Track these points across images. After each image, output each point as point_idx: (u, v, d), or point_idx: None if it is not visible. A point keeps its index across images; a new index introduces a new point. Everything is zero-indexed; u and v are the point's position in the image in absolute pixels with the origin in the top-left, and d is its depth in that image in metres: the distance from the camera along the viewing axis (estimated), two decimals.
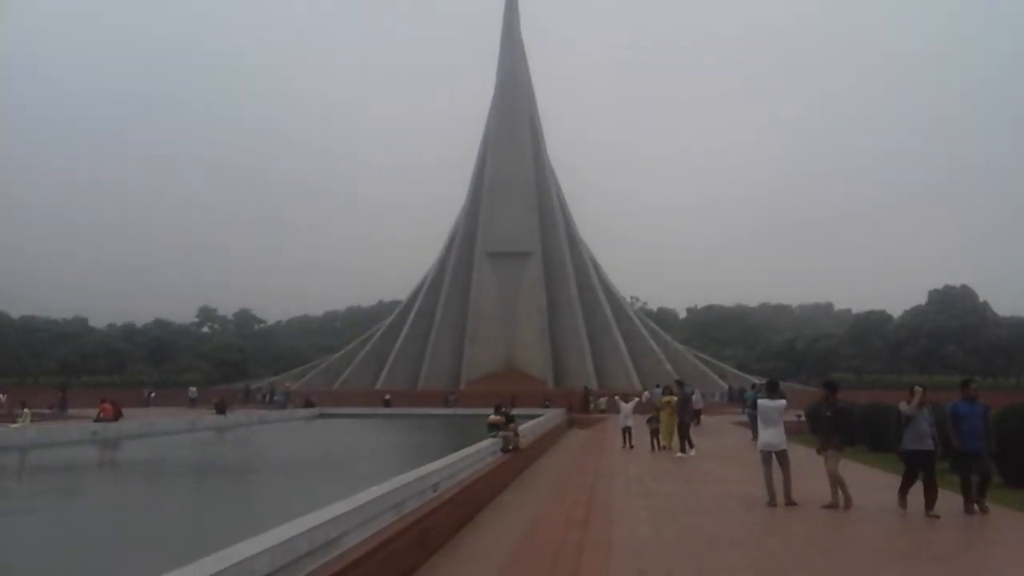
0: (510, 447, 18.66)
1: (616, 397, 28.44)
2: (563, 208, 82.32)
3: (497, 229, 77.67)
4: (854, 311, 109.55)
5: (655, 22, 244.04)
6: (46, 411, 42.36)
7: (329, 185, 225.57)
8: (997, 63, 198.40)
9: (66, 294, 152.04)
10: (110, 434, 30.35)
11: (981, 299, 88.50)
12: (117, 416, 33.26)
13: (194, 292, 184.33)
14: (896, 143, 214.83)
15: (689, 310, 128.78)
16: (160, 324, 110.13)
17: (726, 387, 65.90)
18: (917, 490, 11.65)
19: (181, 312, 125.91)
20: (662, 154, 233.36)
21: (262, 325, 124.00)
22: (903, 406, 12.09)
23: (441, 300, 78.49)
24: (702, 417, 31.94)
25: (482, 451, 16.63)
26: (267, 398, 62.75)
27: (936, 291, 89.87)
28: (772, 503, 12.37)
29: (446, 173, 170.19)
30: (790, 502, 12.33)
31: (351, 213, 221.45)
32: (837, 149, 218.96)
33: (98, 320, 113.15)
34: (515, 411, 23.15)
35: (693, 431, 23.15)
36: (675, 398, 23.22)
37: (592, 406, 50.70)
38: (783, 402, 13.02)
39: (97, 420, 32.24)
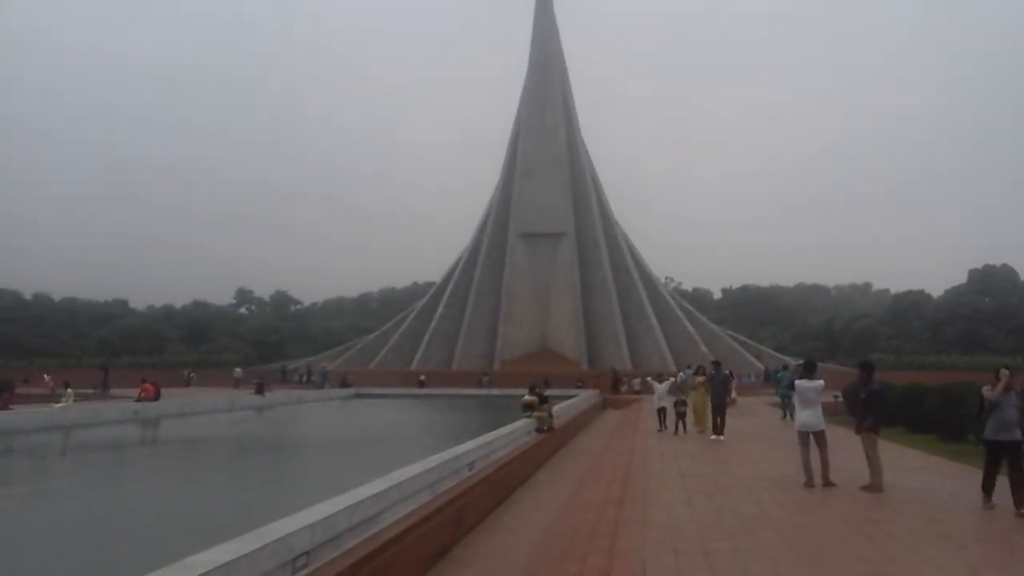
0: (544, 427, 18.73)
1: (649, 378, 27.65)
2: (597, 188, 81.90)
3: (530, 209, 77.54)
4: (893, 291, 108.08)
5: None
6: (89, 391, 43.21)
7: (363, 167, 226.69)
8: None
9: (107, 276, 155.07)
10: (151, 413, 30.95)
11: (1023, 278, 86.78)
12: (157, 396, 33.85)
13: (232, 274, 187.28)
14: (935, 118, 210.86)
15: (724, 290, 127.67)
16: (198, 305, 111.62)
17: (762, 368, 65.39)
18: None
19: (219, 294, 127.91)
20: (698, 133, 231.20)
21: (298, 306, 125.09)
22: (986, 391, 10.87)
23: (475, 281, 78.63)
24: (736, 398, 31.52)
25: (517, 431, 16.70)
26: (304, 378, 63.51)
27: (976, 270, 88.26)
28: (809, 484, 12.29)
29: (480, 153, 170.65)
30: (828, 483, 12.25)
31: (385, 195, 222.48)
32: (875, 124, 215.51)
33: (138, 302, 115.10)
34: (548, 392, 23.05)
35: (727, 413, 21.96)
36: (702, 378, 22.74)
37: (625, 387, 50.66)
38: (821, 382, 12.92)
39: (138, 400, 32.84)
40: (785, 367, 36.43)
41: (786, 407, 27.93)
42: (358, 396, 50.67)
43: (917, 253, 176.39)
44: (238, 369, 61.22)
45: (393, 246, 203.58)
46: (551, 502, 12.01)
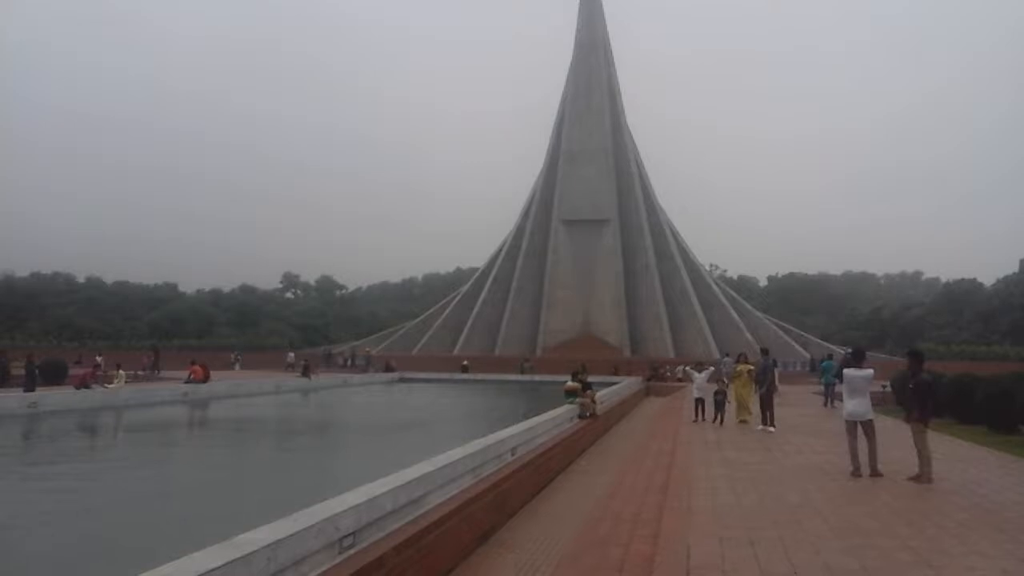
0: (587, 414, 18.72)
1: (688, 367, 25.51)
2: (641, 174, 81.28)
3: (574, 196, 77.32)
4: (944, 280, 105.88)
5: None
6: (140, 373, 44.15)
7: (408, 152, 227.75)
8: None
9: (157, 260, 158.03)
10: (200, 395, 31.52)
11: None
12: (206, 378, 34.47)
13: (278, 259, 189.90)
14: (990, 107, 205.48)
15: (770, 278, 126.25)
16: (246, 290, 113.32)
17: (808, 357, 64.54)
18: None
19: (266, 278, 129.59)
20: (747, 118, 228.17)
21: (343, 291, 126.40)
22: None
23: (518, 267, 78.67)
24: (780, 387, 30.88)
25: (559, 417, 16.71)
26: (348, 362, 64.18)
27: None
28: (857, 473, 12.13)
29: (524, 139, 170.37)
30: (875, 473, 12.08)
31: (430, 181, 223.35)
32: (926, 111, 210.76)
33: (187, 285, 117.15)
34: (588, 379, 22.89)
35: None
36: (749, 366, 21.70)
37: (669, 373, 50.38)
38: (870, 371, 12.71)
39: (187, 381, 33.47)
40: (830, 356, 35.90)
41: (829, 395, 28.40)
42: (401, 380, 51.08)
43: (969, 242, 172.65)
44: (291, 353, 61.73)
45: (437, 232, 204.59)
46: (594, 488, 12.01)
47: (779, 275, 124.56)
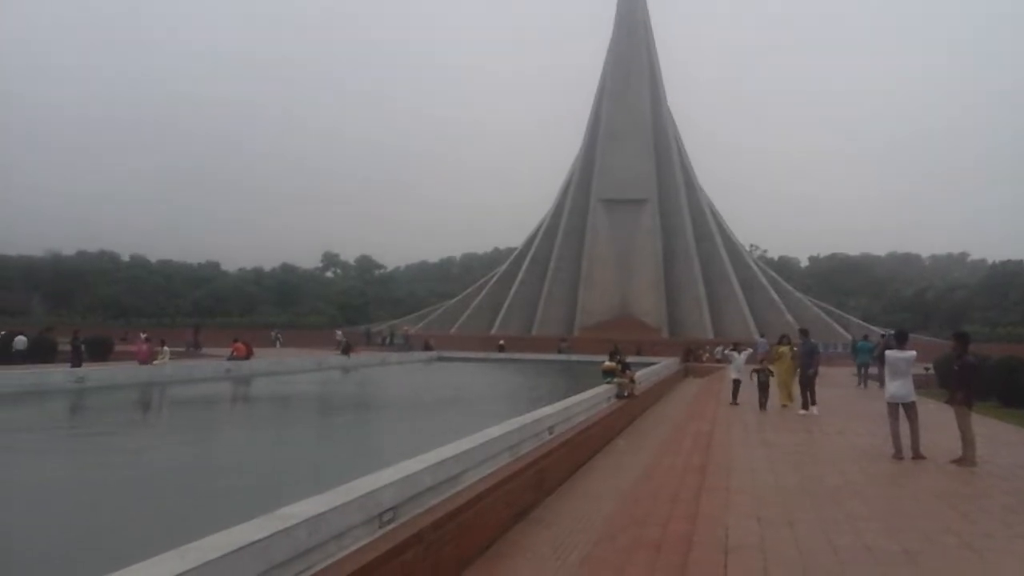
0: (625, 393, 18.69)
1: (726, 349, 24.22)
2: (681, 154, 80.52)
3: (613, 175, 76.86)
4: (989, 261, 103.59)
5: None
6: (183, 349, 44.87)
7: (447, 131, 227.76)
8: None
9: (200, 239, 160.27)
10: (242, 371, 32.02)
11: None
12: (248, 355, 34.96)
13: (318, 238, 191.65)
14: None
15: (811, 259, 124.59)
16: (287, 268, 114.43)
17: (850, 338, 63.69)
18: None
19: (306, 257, 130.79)
20: (789, 97, 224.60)
21: (382, 270, 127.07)
22: None
23: (556, 247, 78.51)
24: (820, 369, 30.38)
25: (597, 397, 16.71)
26: (387, 341, 64.64)
27: None
28: (899, 456, 11.97)
29: (563, 118, 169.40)
30: (917, 455, 11.91)
31: (468, 160, 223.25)
32: (972, 87, 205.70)
33: (229, 264, 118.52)
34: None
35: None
36: (787, 348, 20.74)
37: (707, 355, 50.09)
38: (913, 353, 12.50)
39: (230, 359, 33.97)
40: (865, 337, 35.54)
41: (863, 375, 28.94)
42: (439, 359, 51.41)
43: (1018, 223, 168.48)
44: (339, 332, 62.00)
45: (475, 212, 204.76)
46: (631, 467, 12.01)
47: (821, 256, 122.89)
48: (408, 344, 60.90)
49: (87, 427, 18.29)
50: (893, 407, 12.33)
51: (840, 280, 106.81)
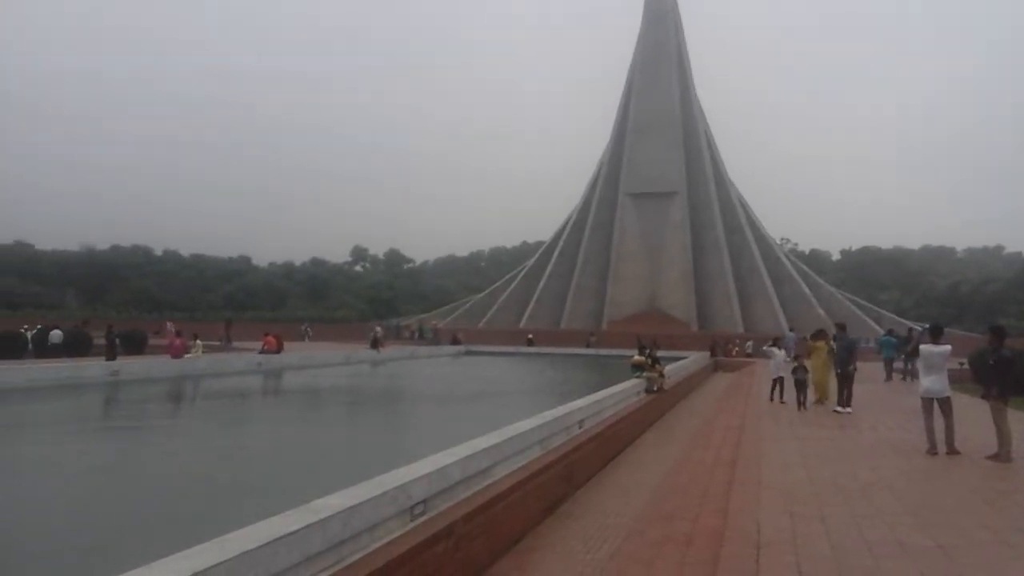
0: (655, 388, 18.62)
1: (766, 345, 22.96)
2: (710, 147, 79.96)
3: (642, 168, 76.49)
4: None
5: None
6: (217, 343, 45.35)
7: (474, 126, 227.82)
8: None
9: (232, 234, 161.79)
10: (273, 365, 32.31)
11: None
12: (279, 348, 35.26)
13: (348, 233, 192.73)
14: None
15: (843, 252, 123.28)
16: (316, 263, 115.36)
17: (882, 332, 62.95)
18: None
19: (336, 251, 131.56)
20: (820, 88, 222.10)
21: (410, 264, 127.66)
22: None
23: (584, 240, 78.35)
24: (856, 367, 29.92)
25: (626, 391, 16.66)
26: (416, 335, 64.83)
27: None
28: (933, 451, 11.84)
29: (592, 110, 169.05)
30: (952, 451, 11.77)
31: (496, 154, 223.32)
32: (1009, 83, 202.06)
33: (260, 259, 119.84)
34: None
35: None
36: (823, 343, 20.22)
37: (736, 349, 49.82)
38: (948, 348, 12.34)
39: (261, 352, 34.29)
40: (890, 331, 35.56)
41: (889, 369, 29.45)
42: (468, 353, 51.52)
43: None
44: (378, 328, 62.11)
45: (503, 205, 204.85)
46: (661, 462, 11.98)
47: (852, 249, 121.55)
48: (436, 338, 61.10)
49: (123, 420, 18.58)
50: (927, 402, 12.20)
51: (872, 274, 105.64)
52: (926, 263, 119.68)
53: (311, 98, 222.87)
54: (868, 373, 31.77)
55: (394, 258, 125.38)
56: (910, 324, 58.00)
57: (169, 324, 42.06)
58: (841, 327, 20.51)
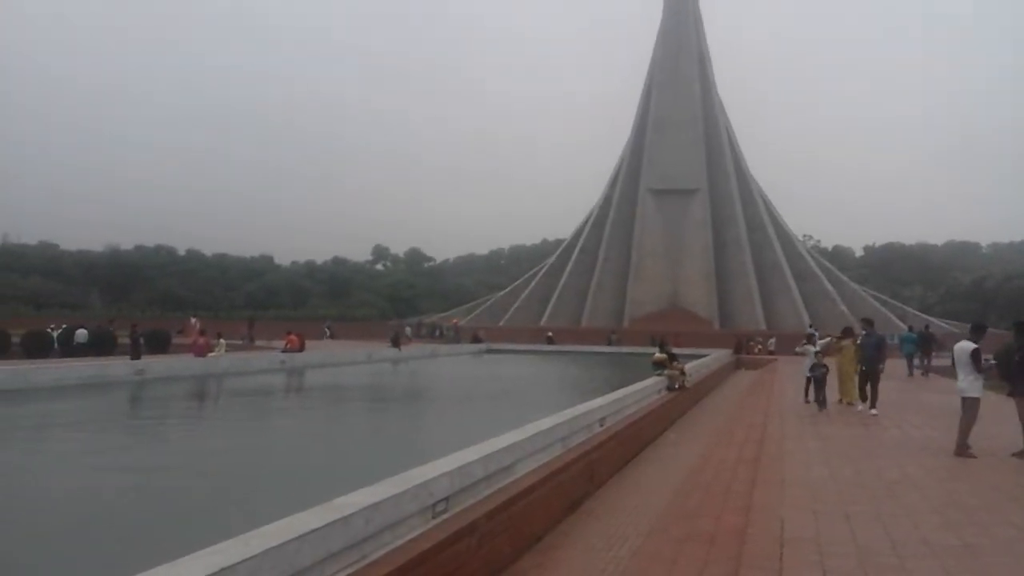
0: (676, 386, 18.57)
1: (804, 344, 20.84)
2: (732, 143, 79.52)
3: (662, 165, 76.20)
4: None
5: None
6: (239, 342, 45.64)
7: (494, 124, 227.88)
8: None
9: (254, 233, 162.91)
10: (296, 363, 32.47)
11: None
12: (302, 347, 35.45)
13: (369, 231, 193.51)
14: None
15: (866, 248, 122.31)
16: (338, 262, 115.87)
17: (906, 329, 62.36)
18: None
19: (357, 250, 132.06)
20: (841, 82, 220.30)
21: (431, 263, 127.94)
22: None
23: (605, 238, 78.15)
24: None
25: (648, 388, 16.62)
26: (437, 333, 64.92)
27: None
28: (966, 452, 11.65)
29: (610, 108, 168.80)
30: (958, 451, 11.50)
31: (516, 152, 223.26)
32: None
33: (282, 258, 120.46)
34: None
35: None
36: (850, 342, 19.16)
37: (759, 347, 49.53)
38: (968, 345, 12.16)
39: (284, 351, 34.48)
40: (910, 328, 35.84)
41: (911, 365, 30.78)
42: (489, 351, 51.54)
43: None
44: (409, 328, 62.25)
45: (523, 203, 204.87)
46: (683, 460, 11.95)
47: (876, 245, 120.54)
48: (457, 336, 61.17)
49: (150, 417, 18.76)
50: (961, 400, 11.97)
51: (896, 270, 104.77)
52: (950, 259, 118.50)
53: (334, 101, 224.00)
54: (889, 370, 31.62)
55: (415, 257, 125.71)
56: (928, 320, 57.55)
57: (194, 319, 42.28)
58: (868, 323, 19.40)
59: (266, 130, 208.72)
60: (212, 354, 30.26)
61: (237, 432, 16.27)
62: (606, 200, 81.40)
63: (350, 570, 4.67)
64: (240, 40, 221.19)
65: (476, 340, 56.63)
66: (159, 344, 37.16)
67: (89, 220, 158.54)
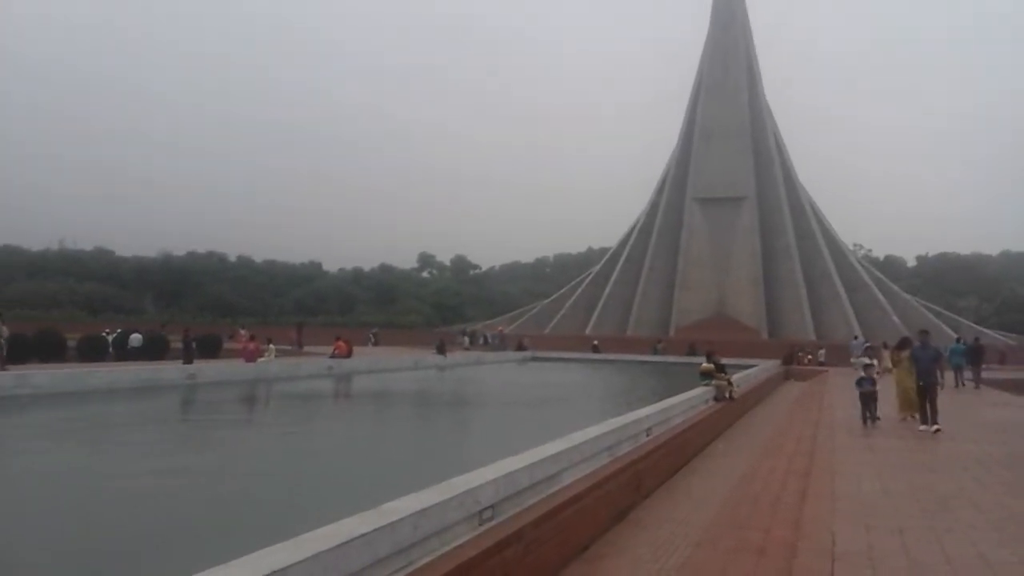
0: (724, 396, 18.37)
1: (853, 359, 18.64)
2: (780, 150, 78.56)
3: (709, 173, 75.59)
4: None
5: None
6: (287, 347, 46.20)
7: (538, 132, 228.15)
8: None
9: (303, 240, 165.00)
10: (344, 369, 32.80)
11: None
12: (349, 353, 35.78)
13: (415, 239, 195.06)
14: None
15: (919, 258, 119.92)
16: (385, 269, 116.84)
17: (955, 340, 60.88)
18: None
19: (403, 258, 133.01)
20: (895, 91, 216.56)
21: (476, 271, 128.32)
22: None
23: (651, 246, 77.69)
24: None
25: (695, 399, 16.48)
26: (484, 340, 65.01)
27: None
28: None
29: (657, 116, 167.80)
30: None
31: (561, 160, 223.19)
32: None
33: (330, 264, 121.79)
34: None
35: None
36: (906, 353, 17.67)
37: (809, 357, 48.74)
38: None
39: (332, 356, 34.83)
40: (959, 339, 37.07)
41: (960, 377, 29.77)
42: (534, 359, 51.52)
43: None
44: (466, 339, 62.43)
45: (569, 212, 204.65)
46: (731, 471, 11.80)
47: (928, 255, 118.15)
48: (502, 344, 61.26)
49: (201, 420, 19.12)
50: None
51: (950, 280, 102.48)
52: (1006, 269, 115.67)
53: (383, 113, 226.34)
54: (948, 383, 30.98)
55: (460, 264, 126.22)
56: (981, 332, 56.23)
57: (242, 331, 42.85)
58: (924, 333, 18.05)
59: (318, 143, 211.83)
60: (262, 359, 30.70)
61: (286, 436, 16.50)
62: (652, 208, 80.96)
63: None
64: (302, 55, 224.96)
65: (521, 348, 56.64)
66: (211, 349, 37.75)
67: (143, 227, 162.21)
